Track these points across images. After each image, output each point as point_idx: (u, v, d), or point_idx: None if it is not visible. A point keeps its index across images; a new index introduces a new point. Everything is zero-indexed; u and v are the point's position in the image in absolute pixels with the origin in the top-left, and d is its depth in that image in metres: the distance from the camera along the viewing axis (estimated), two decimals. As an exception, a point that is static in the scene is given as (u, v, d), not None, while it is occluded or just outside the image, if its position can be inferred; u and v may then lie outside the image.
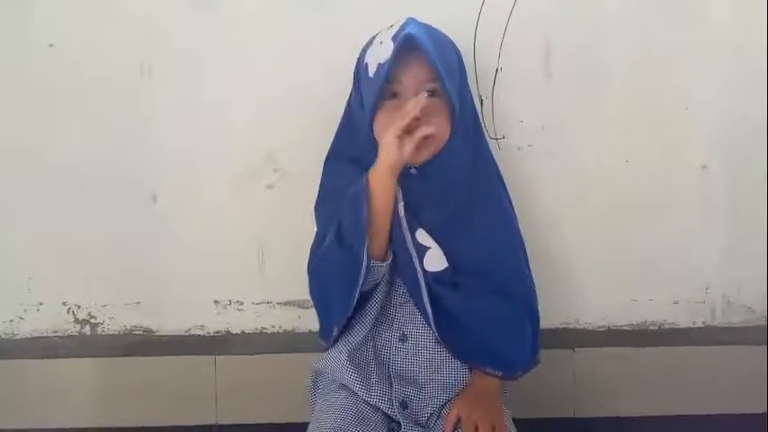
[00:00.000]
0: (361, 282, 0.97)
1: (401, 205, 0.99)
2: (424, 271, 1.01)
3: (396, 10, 1.10)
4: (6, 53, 1.23)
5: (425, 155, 0.99)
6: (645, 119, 1.27)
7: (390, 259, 1.00)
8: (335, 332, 1.03)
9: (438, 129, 0.98)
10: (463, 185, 1.05)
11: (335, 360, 1.04)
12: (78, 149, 1.26)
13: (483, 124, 1.18)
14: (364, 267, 0.96)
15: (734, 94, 1.26)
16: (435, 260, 1.01)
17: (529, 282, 1.08)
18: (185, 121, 1.25)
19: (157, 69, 1.24)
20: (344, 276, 0.98)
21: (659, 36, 1.24)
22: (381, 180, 0.96)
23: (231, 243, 1.28)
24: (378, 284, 1.02)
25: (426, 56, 0.97)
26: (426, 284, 1.00)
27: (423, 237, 1.01)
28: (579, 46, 1.24)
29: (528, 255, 1.11)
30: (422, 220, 1.02)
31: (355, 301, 0.99)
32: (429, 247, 1.01)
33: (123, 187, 1.27)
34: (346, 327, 1.04)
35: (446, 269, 1.01)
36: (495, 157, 1.13)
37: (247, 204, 1.27)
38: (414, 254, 1.00)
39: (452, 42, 1.06)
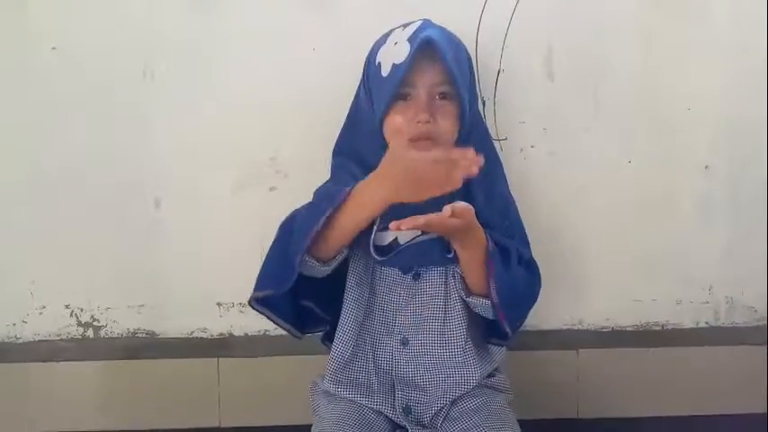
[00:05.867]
0: (291, 274, 0.94)
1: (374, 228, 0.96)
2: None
3: (398, 12, 1.11)
4: (9, 56, 1.24)
5: None
6: (647, 119, 1.27)
7: (333, 264, 0.97)
8: (258, 294, 1.00)
9: (446, 131, 0.99)
10: (468, 188, 1.04)
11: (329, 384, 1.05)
12: (81, 152, 1.26)
13: (494, 126, 1.20)
14: (294, 270, 0.93)
15: (736, 95, 1.27)
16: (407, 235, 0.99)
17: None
18: (188, 124, 1.26)
19: (160, 72, 1.24)
20: (280, 257, 0.97)
21: (661, 37, 1.25)
22: (366, 210, 0.92)
23: (234, 245, 1.28)
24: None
25: (443, 60, 0.96)
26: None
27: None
28: (581, 47, 1.25)
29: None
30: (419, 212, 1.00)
31: (283, 285, 0.96)
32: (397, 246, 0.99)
33: (126, 190, 1.27)
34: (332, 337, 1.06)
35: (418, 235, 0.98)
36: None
37: (250, 206, 1.27)
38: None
39: (463, 44, 1.06)
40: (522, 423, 1.01)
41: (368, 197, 0.92)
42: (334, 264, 0.99)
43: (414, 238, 0.99)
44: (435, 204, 0.90)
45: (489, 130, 1.21)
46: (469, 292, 1.01)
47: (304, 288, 1.01)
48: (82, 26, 1.23)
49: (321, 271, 0.98)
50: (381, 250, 0.99)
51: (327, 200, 0.95)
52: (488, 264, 0.96)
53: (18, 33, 1.23)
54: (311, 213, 0.96)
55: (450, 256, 0.99)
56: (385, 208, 0.91)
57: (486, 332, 1.08)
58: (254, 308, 1.03)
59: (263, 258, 1.01)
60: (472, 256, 0.97)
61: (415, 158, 0.87)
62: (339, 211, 0.93)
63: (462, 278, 1.01)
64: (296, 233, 0.96)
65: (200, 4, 1.23)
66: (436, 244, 1.00)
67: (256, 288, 1.01)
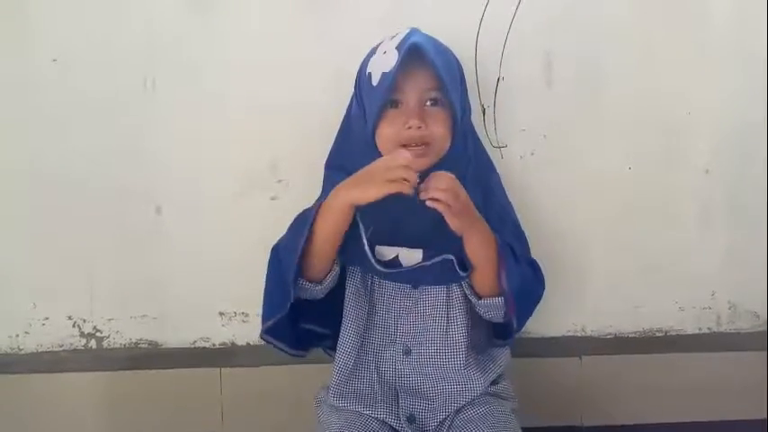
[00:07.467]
0: (289, 297, 0.98)
1: (364, 239, 0.98)
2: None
3: (398, 18, 1.12)
4: (10, 68, 1.24)
5: (425, 163, 1.00)
6: (647, 125, 1.27)
7: (326, 284, 1.00)
8: (269, 324, 1.04)
9: (439, 137, 0.99)
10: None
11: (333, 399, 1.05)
12: (82, 162, 1.26)
13: (485, 130, 1.20)
14: (292, 290, 0.97)
15: (736, 99, 1.27)
16: (410, 258, 1.00)
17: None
18: (189, 133, 1.26)
19: (161, 82, 1.25)
20: (277, 285, 1.00)
21: (660, 42, 1.25)
22: (331, 215, 0.96)
23: (236, 254, 1.28)
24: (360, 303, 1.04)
25: (431, 65, 0.97)
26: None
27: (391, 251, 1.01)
28: (580, 53, 1.25)
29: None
30: (420, 229, 1.01)
31: (284, 308, 0.99)
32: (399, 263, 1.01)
33: (128, 199, 1.27)
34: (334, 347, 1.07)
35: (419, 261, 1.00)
36: (497, 165, 1.14)
37: (251, 216, 1.27)
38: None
39: (453, 53, 1.07)
40: (525, 430, 1.01)
41: (332, 198, 0.95)
42: (328, 282, 1.00)
43: (417, 264, 1.00)
44: (416, 213, 0.95)
45: (489, 138, 1.21)
46: (479, 296, 1.01)
47: (304, 312, 1.04)
48: (82, 37, 1.23)
49: (317, 291, 1.00)
50: (384, 264, 1.00)
51: (303, 217, 0.99)
52: (500, 255, 0.98)
53: (18, 45, 1.23)
54: (292, 232, 1.00)
55: (464, 274, 1.00)
56: (351, 207, 0.94)
57: (490, 333, 1.09)
58: (265, 340, 1.06)
59: (262, 291, 1.04)
60: (486, 253, 0.98)
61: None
62: (315, 221, 0.96)
63: (470, 285, 1.01)
64: (284, 255, 1.00)
65: (200, 13, 1.23)
66: (438, 268, 1.00)
67: (265, 319, 1.04)
